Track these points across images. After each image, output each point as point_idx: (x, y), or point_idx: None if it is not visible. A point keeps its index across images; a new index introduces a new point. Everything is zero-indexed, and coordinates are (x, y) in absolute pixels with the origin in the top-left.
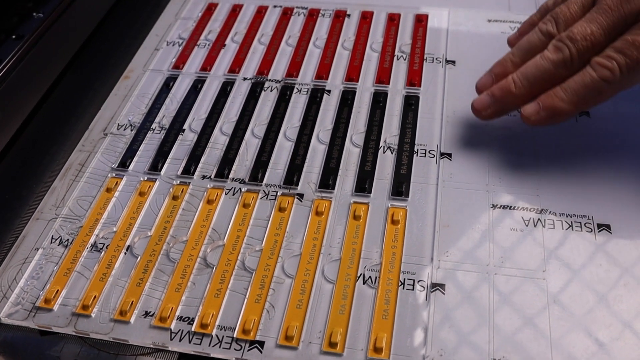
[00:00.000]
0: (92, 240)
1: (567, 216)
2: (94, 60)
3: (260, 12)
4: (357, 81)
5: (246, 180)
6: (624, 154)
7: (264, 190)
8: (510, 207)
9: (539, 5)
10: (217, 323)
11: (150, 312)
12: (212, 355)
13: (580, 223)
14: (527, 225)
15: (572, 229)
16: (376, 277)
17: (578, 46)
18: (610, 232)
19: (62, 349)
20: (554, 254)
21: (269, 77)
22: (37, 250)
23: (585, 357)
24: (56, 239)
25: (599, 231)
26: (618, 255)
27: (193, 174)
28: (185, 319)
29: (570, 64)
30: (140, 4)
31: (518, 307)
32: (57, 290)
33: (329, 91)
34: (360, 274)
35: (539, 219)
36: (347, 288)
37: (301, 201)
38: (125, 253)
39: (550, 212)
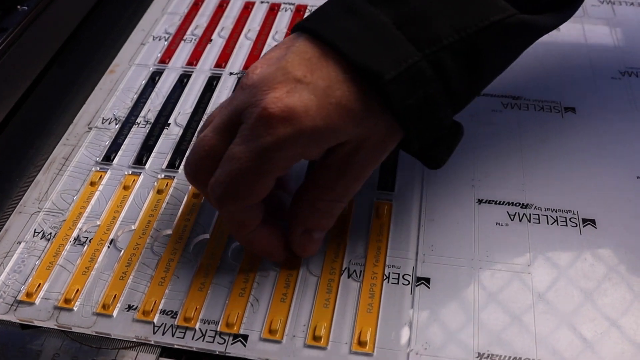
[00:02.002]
0: (75, 234)
1: (552, 211)
2: (79, 54)
3: (247, 7)
4: None
5: None
6: (609, 149)
7: None
8: (496, 201)
9: None
10: (200, 317)
11: (133, 305)
12: (195, 348)
13: (566, 218)
14: (512, 220)
15: (558, 224)
16: (361, 271)
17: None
18: (595, 227)
19: (44, 342)
20: (539, 249)
21: None
22: (19, 243)
23: (570, 352)
24: (39, 233)
25: (584, 226)
26: (603, 250)
27: (178, 167)
28: (169, 313)
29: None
30: None
31: (503, 302)
32: (39, 284)
33: None
34: (345, 268)
35: (524, 214)
36: (332, 282)
37: None
38: (108, 247)
39: (535, 207)
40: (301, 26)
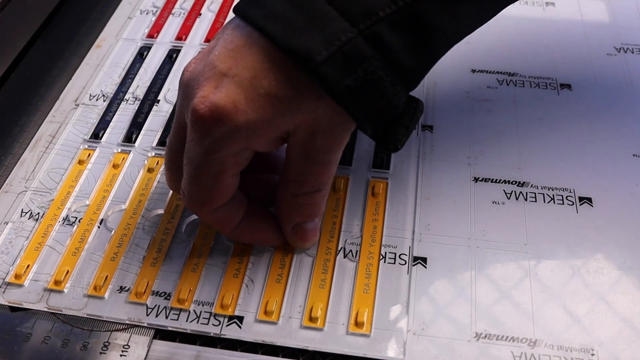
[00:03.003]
0: (63, 213)
1: (548, 189)
2: (64, 28)
3: None
4: None
5: None
6: (606, 127)
7: None
8: (492, 180)
9: None
10: (194, 298)
11: (125, 287)
12: (189, 330)
13: (562, 196)
14: (508, 198)
15: (554, 202)
16: (357, 251)
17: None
18: (592, 205)
19: (34, 325)
20: (536, 228)
21: None
22: (7, 224)
23: (566, 330)
24: (26, 213)
25: (580, 204)
26: (599, 229)
27: None
28: (162, 294)
29: None
30: None
31: (500, 281)
32: (28, 266)
33: None
34: (341, 248)
35: (520, 192)
36: (328, 262)
37: None
38: (98, 227)
39: (532, 185)
40: (234, 8)
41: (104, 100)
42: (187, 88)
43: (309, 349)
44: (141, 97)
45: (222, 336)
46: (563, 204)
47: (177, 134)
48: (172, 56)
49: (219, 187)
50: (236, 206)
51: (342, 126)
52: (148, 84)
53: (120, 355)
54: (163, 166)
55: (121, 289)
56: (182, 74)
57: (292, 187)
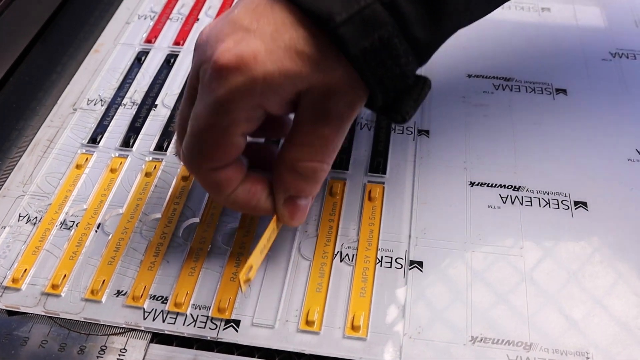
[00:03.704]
0: (61, 217)
1: (544, 193)
2: (62, 33)
3: None
4: None
5: None
6: (601, 131)
7: None
8: (488, 184)
9: None
10: (191, 302)
11: (122, 291)
12: (186, 334)
13: (557, 200)
14: (504, 203)
15: (549, 207)
16: (353, 255)
17: None
18: (587, 210)
19: (31, 329)
20: (531, 232)
21: None
22: (4, 228)
23: (561, 334)
24: (24, 217)
25: (575, 208)
26: (594, 233)
27: (166, 150)
28: (159, 298)
29: None
30: None
31: (495, 285)
32: (25, 270)
33: None
34: (338, 252)
35: (516, 197)
36: (324, 266)
37: None
38: (96, 231)
39: (527, 190)
40: None
41: (102, 105)
42: (205, 45)
43: (306, 352)
44: (139, 101)
45: (218, 340)
46: (558, 208)
47: (189, 97)
48: (169, 61)
49: (225, 144)
50: (237, 169)
51: (355, 93)
52: (146, 88)
53: (117, 359)
54: (174, 138)
55: (118, 292)
56: (199, 35)
57: (295, 152)
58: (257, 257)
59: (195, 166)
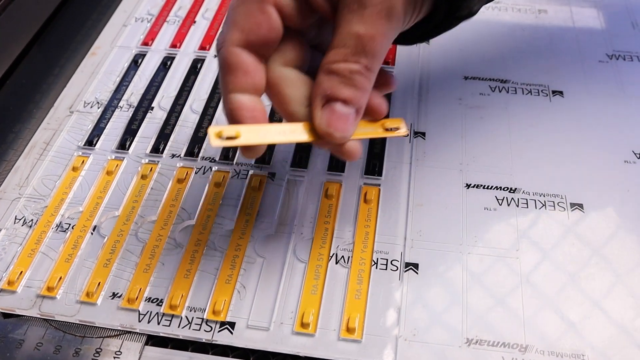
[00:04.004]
0: (57, 220)
1: (540, 195)
2: (59, 35)
3: None
4: None
5: (217, 159)
6: (597, 133)
7: (234, 169)
8: (484, 186)
9: None
10: (186, 304)
11: (117, 293)
12: (181, 336)
13: (554, 202)
14: (500, 205)
15: (545, 208)
16: (349, 257)
17: None
18: (583, 211)
19: (27, 331)
20: (527, 234)
21: None
22: (0, 230)
23: (557, 336)
24: (20, 219)
25: (571, 210)
26: (590, 235)
27: (162, 152)
28: (154, 300)
29: None
30: None
31: (491, 287)
32: (21, 272)
33: None
34: (333, 254)
35: (512, 198)
36: (320, 268)
37: (273, 180)
38: (91, 233)
39: (523, 192)
40: None
41: (99, 108)
42: None
43: (301, 355)
44: (135, 104)
45: (213, 342)
46: (554, 210)
47: None
48: (166, 63)
49: (260, 11)
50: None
51: None
52: (142, 91)
53: None
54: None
55: (114, 295)
56: None
57: (330, 55)
58: (252, 132)
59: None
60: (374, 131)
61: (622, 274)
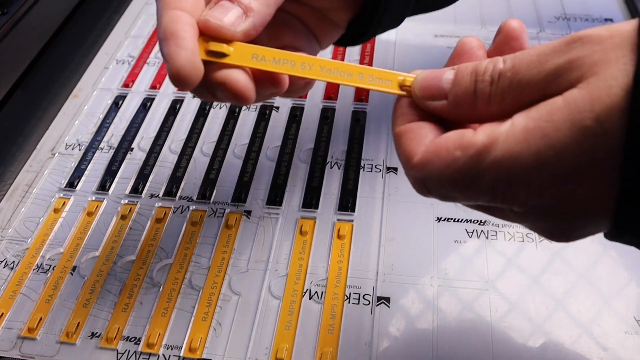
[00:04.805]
0: (38, 261)
1: (509, 227)
2: (42, 78)
3: None
4: (306, 97)
5: (194, 198)
6: None
7: (211, 208)
8: (454, 219)
9: (483, 19)
10: (164, 342)
11: (96, 333)
12: None
13: (523, 233)
14: (470, 237)
15: (514, 240)
16: (322, 292)
17: None
18: (551, 241)
19: None
20: (497, 265)
21: None
22: None
23: None
24: (1, 261)
25: (540, 240)
26: (561, 264)
27: (141, 192)
28: (132, 339)
29: None
30: (91, 22)
31: (462, 320)
32: (2, 314)
33: (277, 108)
34: (307, 290)
35: (482, 231)
36: (294, 304)
37: (249, 218)
38: (71, 274)
39: (492, 224)
40: None
41: (80, 149)
42: None
43: None
44: (116, 145)
45: None
46: (523, 241)
47: None
48: (146, 105)
49: None
50: None
51: None
52: (122, 132)
53: None
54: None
55: (92, 335)
56: None
57: None
58: (244, 51)
59: None
60: (384, 85)
61: (594, 302)
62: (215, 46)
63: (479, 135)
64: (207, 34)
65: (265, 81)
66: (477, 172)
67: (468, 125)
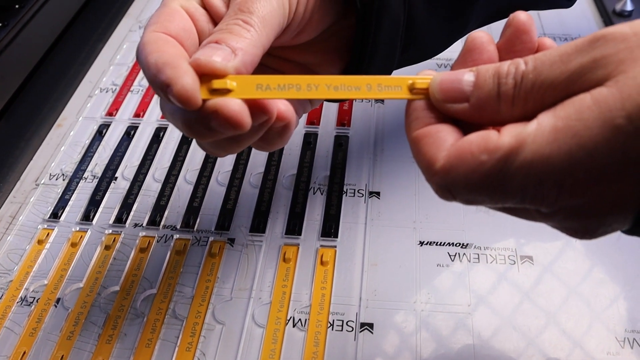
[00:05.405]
0: (22, 294)
1: (491, 249)
2: (26, 108)
3: None
4: None
5: (178, 227)
6: None
7: (195, 236)
8: (437, 243)
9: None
10: None
11: None
12: None
13: (504, 256)
14: (452, 261)
15: (496, 262)
16: (306, 320)
17: None
18: (532, 263)
19: None
20: (480, 288)
21: None
22: None
23: None
24: None
25: (521, 263)
26: (542, 286)
27: (125, 222)
28: None
29: None
30: (74, 50)
31: (445, 344)
32: None
33: None
34: (290, 317)
35: (464, 254)
36: (277, 332)
37: (232, 246)
38: (55, 306)
39: (475, 247)
40: None
41: (64, 180)
42: None
43: None
44: (99, 174)
45: None
46: (505, 263)
47: None
48: (130, 133)
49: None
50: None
51: None
52: (106, 161)
53: None
54: None
55: None
56: None
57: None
58: (248, 84)
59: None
60: (394, 91)
61: (575, 325)
62: (218, 83)
63: (505, 137)
64: (199, 72)
65: (255, 109)
66: (505, 176)
67: (487, 127)
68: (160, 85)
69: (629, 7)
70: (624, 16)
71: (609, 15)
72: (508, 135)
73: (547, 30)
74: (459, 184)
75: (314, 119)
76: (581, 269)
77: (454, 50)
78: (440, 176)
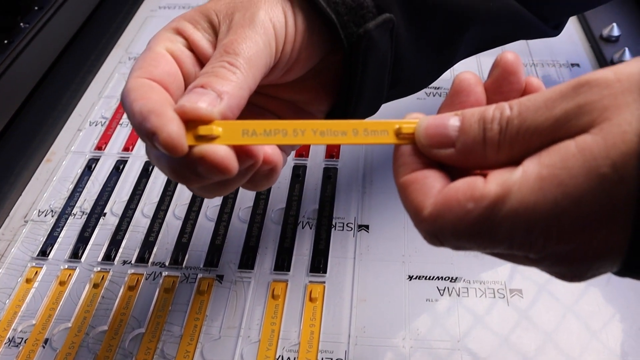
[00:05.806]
0: (10, 334)
1: (480, 283)
2: (15, 144)
3: None
4: None
5: (167, 264)
6: None
7: (184, 273)
8: (426, 277)
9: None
10: None
11: None
12: None
13: (494, 289)
14: (442, 295)
15: (486, 296)
16: (295, 358)
17: None
18: (522, 297)
19: None
20: (469, 323)
21: None
22: None
23: None
24: None
25: (511, 296)
26: (531, 320)
27: (114, 259)
28: None
29: None
30: (64, 83)
31: None
32: None
33: None
34: (279, 356)
35: (453, 288)
36: None
37: (221, 283)
38: (43, 347)
39: (464, 280)
40: None
41: (52, 216)
42: None
43: None
44: (88, 210)
45: None
46: (494, 297)
47: None
48: (119, 167)
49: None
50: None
51: None
52: (95, 197)
53: None
54: None
55: None
56: None
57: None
58: (234, 129)
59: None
60: (380, 136)
61: (568, 355)
62: (204, 130)
63: (491, 185)
64: (184, 118)
65: (242, 154)
66: (492, 224)
67: (473, 171)
68: (145, 134)
69: (615, 32)
70: (611, 41)
71: (596, 41)
72: (494, 183)
73: (535, 56)
74: (447, 231)
75: (303, 151)
76: (571, 302)
77: (443, 78)
78: (427, 223)
